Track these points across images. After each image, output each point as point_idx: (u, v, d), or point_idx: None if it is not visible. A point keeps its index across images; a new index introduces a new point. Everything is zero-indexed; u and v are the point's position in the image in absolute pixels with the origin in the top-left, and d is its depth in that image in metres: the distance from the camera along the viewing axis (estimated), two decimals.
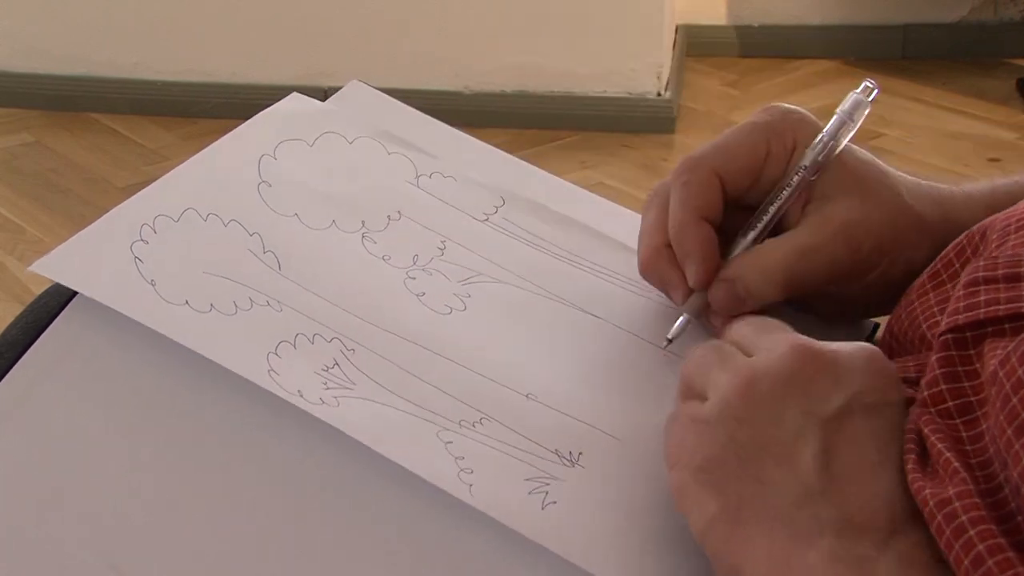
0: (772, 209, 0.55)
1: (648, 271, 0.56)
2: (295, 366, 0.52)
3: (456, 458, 0.49)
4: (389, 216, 0.61)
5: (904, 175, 0.57)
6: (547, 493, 0.49)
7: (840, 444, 0.43)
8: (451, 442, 0.50)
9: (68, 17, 2.82)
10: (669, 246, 0.55)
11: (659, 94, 2.68)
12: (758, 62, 3.04)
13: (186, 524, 0.49)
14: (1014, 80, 2.83)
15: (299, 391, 0.51)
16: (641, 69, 2.66)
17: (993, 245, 0.49)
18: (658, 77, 2.67)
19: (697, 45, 3.07)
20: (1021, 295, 0.44)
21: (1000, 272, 0.46)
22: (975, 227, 0.51)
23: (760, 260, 0.54)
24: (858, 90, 0.57)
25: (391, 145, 0.65)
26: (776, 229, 0.55)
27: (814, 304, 0.58)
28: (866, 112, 0.56)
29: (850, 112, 0.55)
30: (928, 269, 0.53)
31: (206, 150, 0.63)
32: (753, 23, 3.07)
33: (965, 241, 0.52)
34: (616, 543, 0.48)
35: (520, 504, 0.48)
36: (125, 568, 0.47)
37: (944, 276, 0.52)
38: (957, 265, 0.51)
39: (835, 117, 0.55)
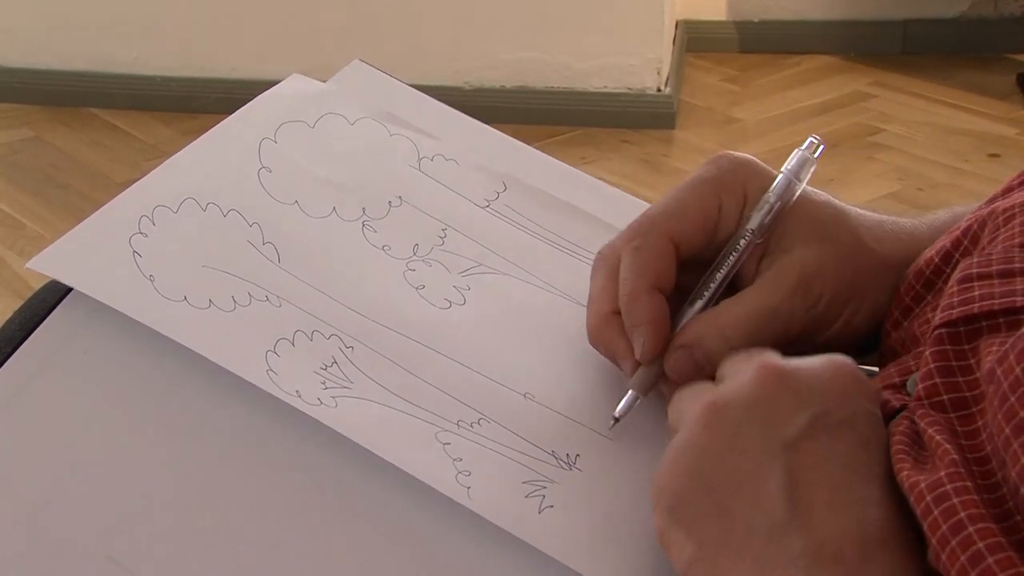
0: (719, 276, 0.52)
1: (596, 340, 0.53)
2: (293, 365, 0.52)
3: (454, 460, 0.49)
4: (390, 202, 0.61)
5: (866, 213, 0.54)
6: (544, 497, 0.49)
7: (805, 470, 0.42)
8: (449, 443, 0.50)
9: (67, 12, 2.82)
10: (617, 313, 0.52)
11: (659, 90, 2.68)
12: (758, 57, 3.04)
13: (183, 514, 0.49)
14: (1014, 75, 2.83)
15: (297, 391, 0.51)
16: (641, 65, 2.66)
17: (986, 240, 0.49)
18: (658, 73, 2.67)
19: (697, 41, 3.07)
20: (1015, 289, 0.44)
21: (994, 268, 0.46)
22: (972, 217, 0.51)
23: (720, 324, 0.51)
24: (803, 147, 0.54)
25: (393, 126, 0.65)
26: (730, 284, 0.52)
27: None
28: (812, 169, 0.54)
29: (796, 171, 0.53)
30: (915, 270, 0.52)
31: (208, 133, 0.62)
32: (753, 18, 3.07)
33: (975, 224, 0.51)
34: (612, 547, 0.48)
35: (518, 508, 0.48)
36: (122, 558, 0.47)
37: (946, 271, 0.52)
38: (957, 256, 0.51)
39: (780, 176, 0.53)
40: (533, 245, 0.60)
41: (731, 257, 0.52)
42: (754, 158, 0.54)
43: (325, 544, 0.48)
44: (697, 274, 0.53)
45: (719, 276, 0.52)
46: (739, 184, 0.53)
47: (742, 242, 0.52)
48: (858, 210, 0.55)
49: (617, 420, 0.51)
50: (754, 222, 0.52)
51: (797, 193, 0.53)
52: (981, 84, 2.83)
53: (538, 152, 0.67)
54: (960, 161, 2.48)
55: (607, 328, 0.52)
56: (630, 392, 0.51)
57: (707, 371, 0.50)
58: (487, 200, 0.62)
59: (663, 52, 2.68)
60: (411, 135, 0.64)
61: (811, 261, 0.51)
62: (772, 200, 0.52)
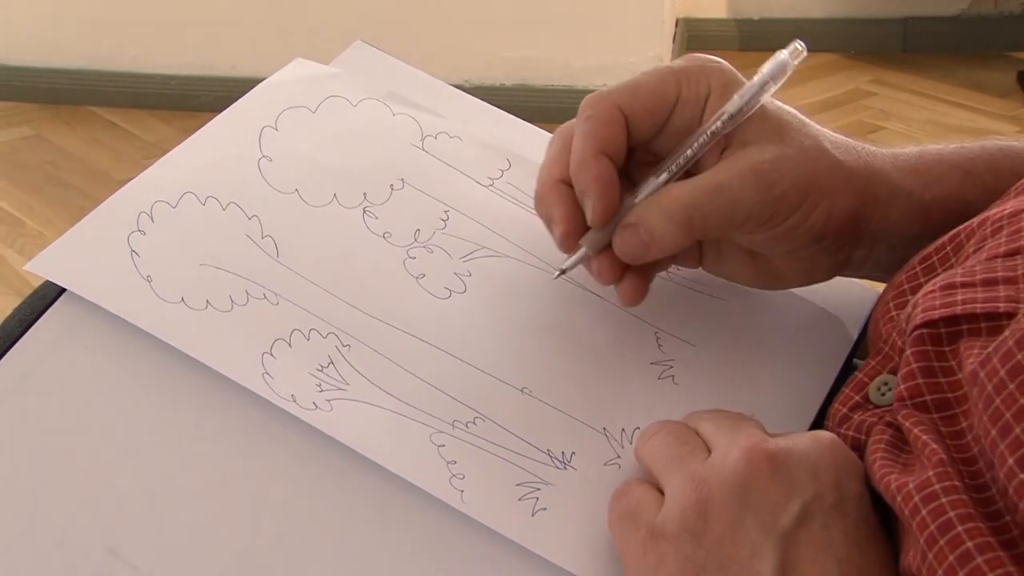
0: (688, 152, 0.52)
1: (539, 205, 0.54)
2: (289, 367, 0.52)
3: (448, 463, 0.49)
4: (392, 185, 0.60)
5: (828, 130, 0.55)
6: (537, 499, 0.49)
7: (798, 560, 0.42)
8: (443, 445, 0.50)
9: (67, 10, 2.82)
10: (564, 182, 0.52)
11: None
12: (758, 56, 2.99)
13: (182, 507, 0.49)
14: (1014, 73, 2.83)
15: (292, 395, 0.51)
16: (641, 62, 2.66)
17: (971, 251, 0.49)
18: None
19: (697, 38, 3.07)
20: (998, 296, 0.44)
21: (978, 278, 0.46)
22: (975, 219, 0.51)
23: (661, 201, 0.51)
24: (787, 51, 0.55)
25: (396, 106, 0.64)
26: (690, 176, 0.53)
27: (735, 269, 0.56)
28: (790, 73, 0.55)
29: (776, 71, 0.54)
30: (920, 256, 0.53)
31: (211, 123, 0.62)
32: (753, 16, 3.07)
33: (963, 231, 0.51)
34: (604, 548, 0.48)
35: (510, 511, 0.48)
36: (123, 551, 0.47)
37: (934, 259, 0.52)
38: (949, 249, 0.51)
39: (763, 70, 0.54)
40: (536, 226, 0.60)
41: (701, 138, 0.52)
42: (723, 60, 0.54)
43: (323, 537, 0.48)
44: (651, 165, 0.53)
45: (688, 153, 0.52)
46: (703, 77, 0.53)
47: (717, 124, 0.52)
48: (820, 126, 0.55)
49: (563, 272, 0.53)
50: (733, 105, 0.52)
51: (777, 87, 0.53)
52: (981, 82, 2.83)
53: (542, 131, 0.66)
54: None
55: (549, 193, 0.53)
56: (582, 249, 0.52)
57: (654, 251, 0.51)
58: (491, 179, 0.62)
59: (663, 50, 2.68)
60: (414, 113, 0.64)
61: (769, 155, 0.51)
62: (756, 88, 0.53)
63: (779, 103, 0.54)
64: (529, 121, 0.68)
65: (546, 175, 0.53)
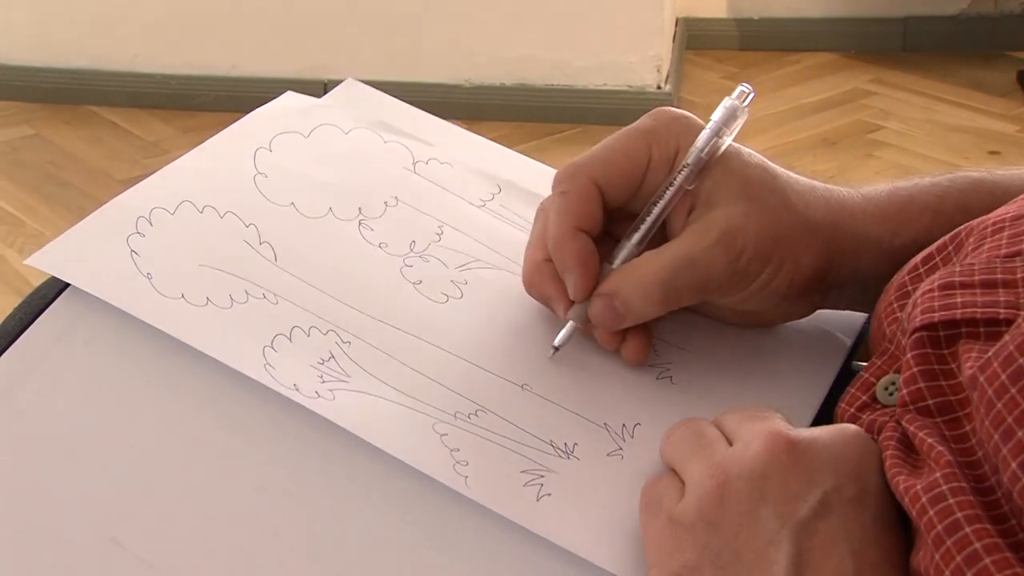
0: (656, 210, 0.53)
1: (530, 287, 0.55)
2: (291, 360, 0.52)
3: (452, 450, 0.50)
4: (386, 202, 0.61)
5: (799, 178, 0.55)
6: (542, 485, 0.49)
7: (814, 550, 0.42)
8: (446, 434, 0.50)
9: (68, 10, 2.82)
10: (549, 260, 0.53)
11: (659, 87, 2.68)
12: (758, 55, 3.03)
13: (185, 498, 0.49)
14: (1014, 73, 2.83)
15: (294, 385, 0.51)
16: (641, 62, 2.66)
17: (970, 248, 0.49)
18: (658, 70, 2.67)
19: (697, 38, 3.07)
20: (998, 301, 0.44)
21: (977, 278, 0.46)
22: (975, 220, 0.51)
23: (636, 274, 0.52)
24: (733, 95, 0.55)
25: (387, 135, 0.65)
26: (660, 239, 0.54)
27: (707, 312, 0.57)
28: (744, 117, 0.55)
29: (728, 116, 0.54)
30: (923, 255, 0.53)
31: (202, 146, 0.63)
32: (753, 16, 3.07)
33: (964, 230, 0.51)
34: (610, 532, 0.48)
35: (515, 496, 0.49)
36: (125, 541, 0.48)
37: (937, 260, 0.52)
38: (951, 248, 0.51)
39: (715, 118, 0.54)
40: None
41: (667, 192, 0.53)
42: (691, 115, 0.55)
43: (326, 525, 0.48)
44: (625, 221, 0.54)
45: (655, 211, 0.53)
46: (672, 137, 0.53)
47: (679, 177, 0.52)
48: (790, 174, 0.55)
49: (557, 349, 0.54)
50: (690, 157, 0.52)
51: (735, 133, 0.54)
52: (981, 81, 2.83)
53: (530, 160, 0.67)
54: (960, 158, 2.48)
55: (538, 274, 0.54)
56: (569, 324, 0.53)
57: (628, 320, 0.52)
58: (483, 200, 0.63)
59: (663, 49, 2.68)
60: (405, 141, 0.65)
61: (735, 217, 0.52)
62: (708, 134, 0.53)
63: (745, 155, 0.54)
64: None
65: (528, 257, 0.55)
